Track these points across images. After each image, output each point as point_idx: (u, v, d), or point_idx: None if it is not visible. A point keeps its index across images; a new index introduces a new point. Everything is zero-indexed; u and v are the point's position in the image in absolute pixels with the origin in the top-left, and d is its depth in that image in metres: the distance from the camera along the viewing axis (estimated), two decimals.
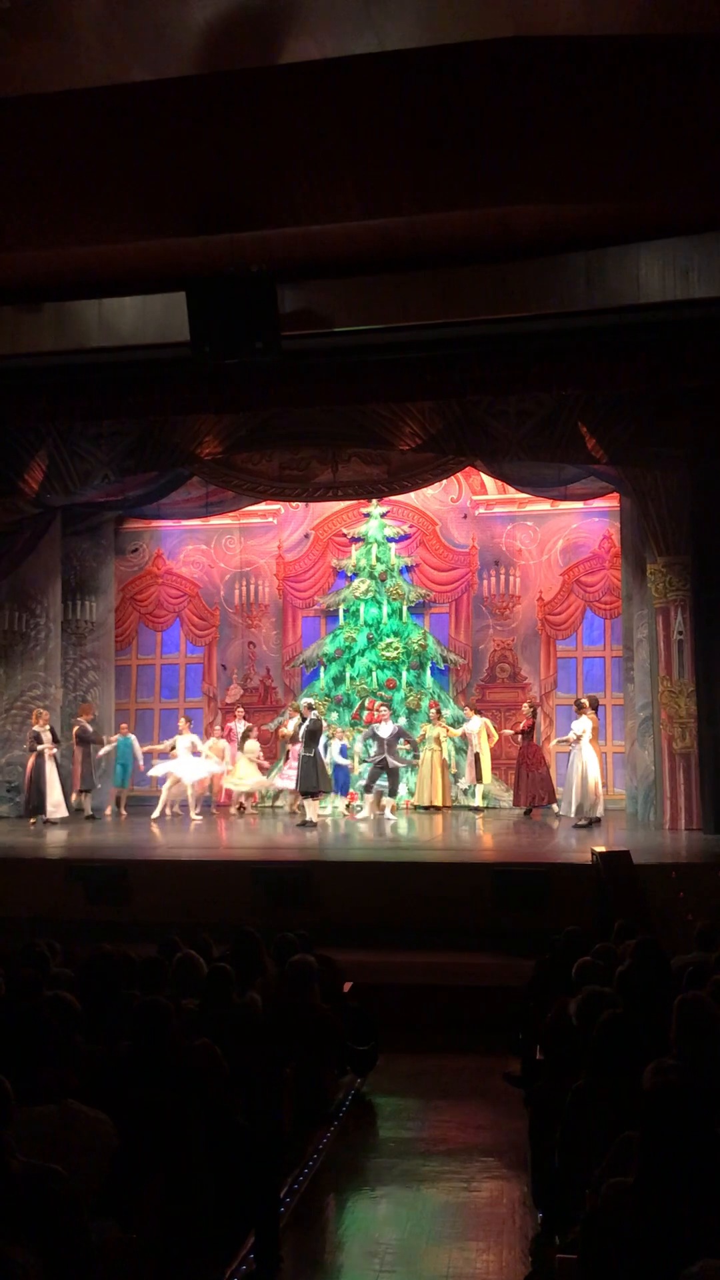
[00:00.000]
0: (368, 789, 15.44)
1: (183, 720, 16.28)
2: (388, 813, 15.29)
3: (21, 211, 8.08)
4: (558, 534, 17.31)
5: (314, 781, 14.53)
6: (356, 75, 6.64)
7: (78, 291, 9.81)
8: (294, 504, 17.44)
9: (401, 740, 15.49)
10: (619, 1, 5.94)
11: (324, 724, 15.28)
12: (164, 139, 7.41)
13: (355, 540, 17.65)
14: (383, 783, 15.50)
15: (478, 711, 16.15)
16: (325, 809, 15.48)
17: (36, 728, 15.15)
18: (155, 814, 15.51)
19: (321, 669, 17.45)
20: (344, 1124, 6.82)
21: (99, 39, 6.11)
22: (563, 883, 10.36)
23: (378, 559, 17.32)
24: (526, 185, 7.77)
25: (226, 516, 17.80)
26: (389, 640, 17.04)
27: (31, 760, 15.07)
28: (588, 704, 14.58)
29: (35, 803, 14.85)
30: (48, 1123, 3.72)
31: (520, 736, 15.34)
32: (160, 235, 8.51)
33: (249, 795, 16.44)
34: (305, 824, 14.34)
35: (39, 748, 15.00)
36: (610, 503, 16.44)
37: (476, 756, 15.76)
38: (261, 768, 16.37)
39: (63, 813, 14.96)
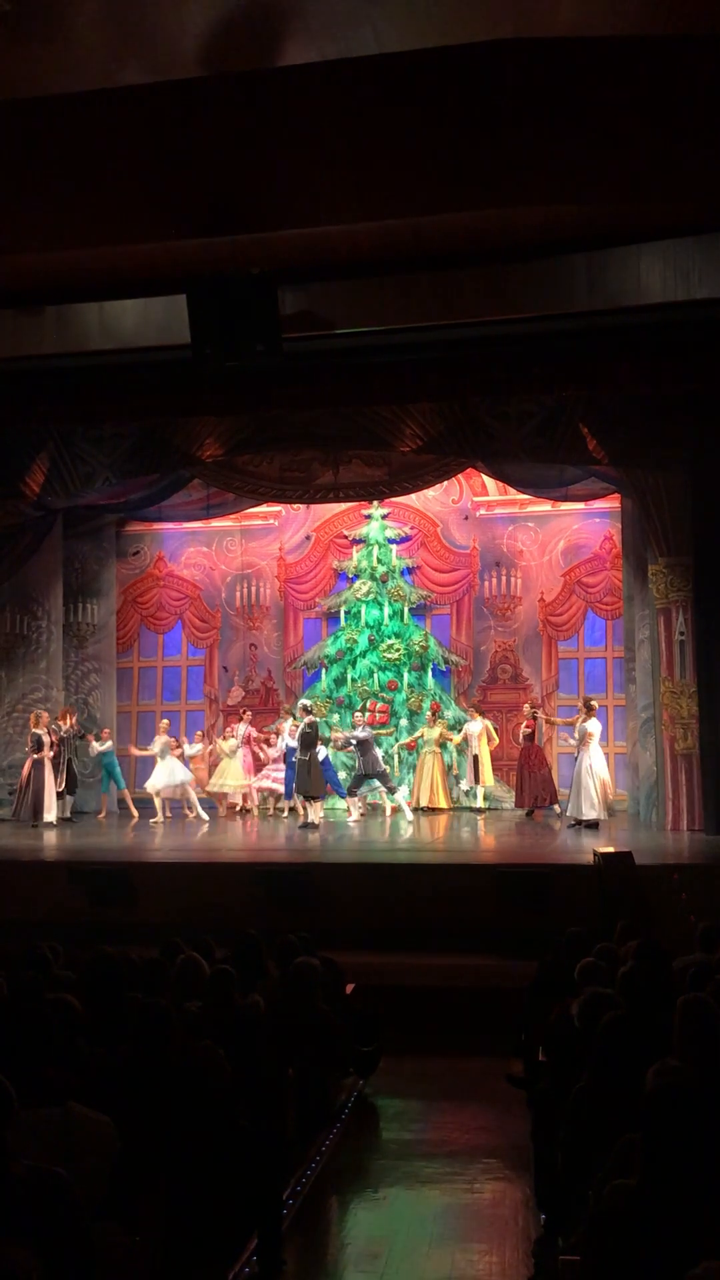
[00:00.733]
0: (351, 793, 15.46)
1: (163, 721, 16.32)
2: (389, 814, 15.25)
3: (22, 213, 8.09)
4: (559, 535, 17.30)
5: (307, 785, 14.54)
6: (356, 76, 6.65)
7: (79, 294, 9.81)
8: (295, 506, 17.43)
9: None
10: (618, 2, 5.94)
11: (319, 727, 15.22)
12: (164, 141, 7.41)
13: (356, 542, 17.65)
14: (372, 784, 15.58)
15: (481, 713, 16.16)
16: (324, 811, 15.48)
17: (37, 730, 15.13)
18: (156, 818, 15.56)
19: (323, 671, 17.45)
20: (346, 1126, 6.82)
21: (99, 41, 6.12)
22: (565, 884, 10.36)
23: (379, 560, 17.32)
24: (527, 186, 7.76)
25: (228, 518, 17.79)
26: (390, 642, 17.04)
27: (29, 764, 15.04)
28: (595, 705, 14.59)
29: (34, 806, 14.80)
30: (50, 1125, 3.71)
31: (523, 739, 15.32)
32: (161, 237, 8.51)
33: (244, 796, 16.44)
34: (307, 826, 14.34)
35: (38, 754, 14.95)
36: (611, 504, 16.44)
37: (476, 758, 15.76)
38: (260, 763, 16.35)
39: (50, 816, 14.93)
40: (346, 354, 10.56)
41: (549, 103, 6.98)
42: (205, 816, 15.64)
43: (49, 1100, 3.80)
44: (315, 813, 14.62)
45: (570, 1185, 4.27)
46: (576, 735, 14.20)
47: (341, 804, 16.05)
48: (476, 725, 15.85)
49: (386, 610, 17.17)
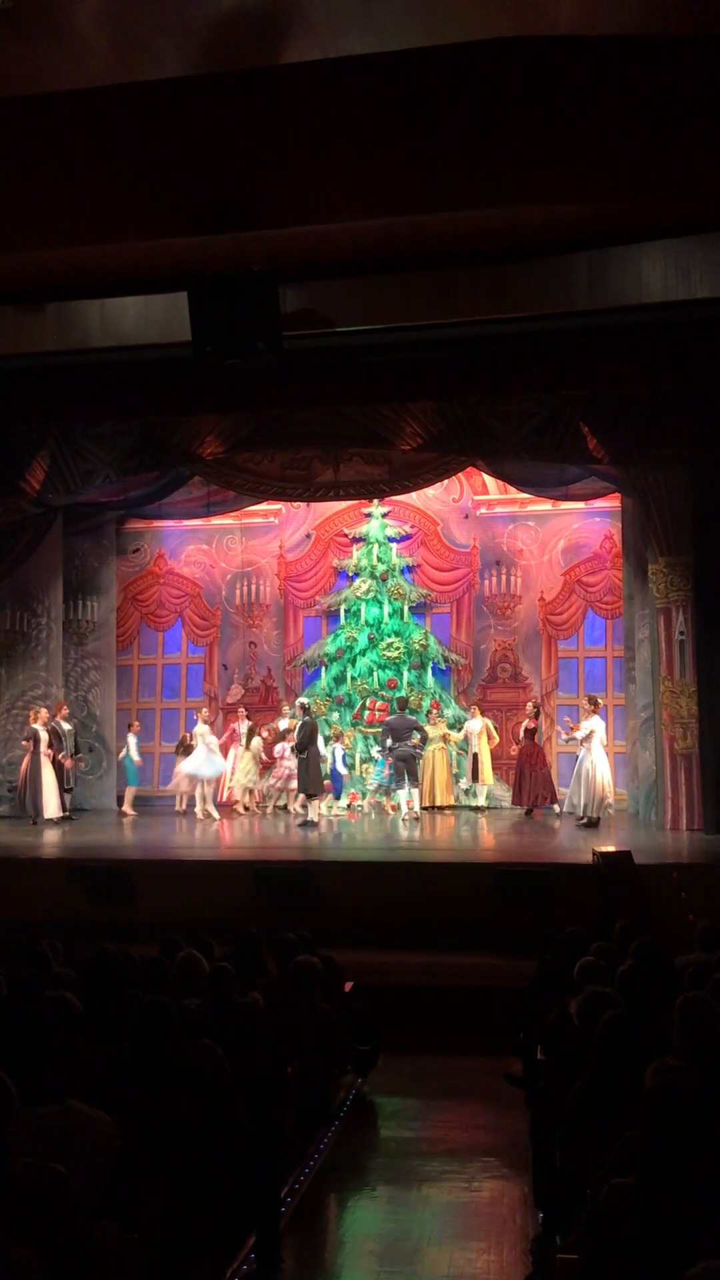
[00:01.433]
0: (395, 786, 15.41)
1: (203, 711, 16.25)
2: (404, 810, 15.25)
3: (23, 211, 8.09)
4: (559, 534, 17.30)
5: (306, 783, 14.54)
6: (357, 75, 6.64)
7: (79, 291, 9.81)
8: (295, 504, 17.43)
9: (415, 732, 15.38)
10: (619, 1, 5.94)
11: (317, 726, 15.19)
12: (166, 139, 7.41)
13: (356, 540, 17.64)
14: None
15: (481, 711, 16.15)
16: (326, 809, 15.48)
17: (35, 726, 15.12)
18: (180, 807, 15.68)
19: (323, 669, 17.44)
20: (345, 1124, 6.82)
21: (100, 39, 6.12)
22: (564, 883, 10.36)
23: (379, 559, 17.32)
24: (528, 185, 7.76)
25: (228, 516, 17.80)
26: (390, 640, 17.04)
27: (27, 760, 15.03)
28: (600, 703, 14.58)
29: (32, 802, 14.79)
30: (50, 1123, 3.72)
31: (524, 736, 15.29)
32: (162, 235, 8.51)
33: (251, 794, 16.42)
34: (306, 824, 14.34)
35: (39, 748, 14.96)
36: (612, 503, 16.44)
37: (476, 757, 15.76)
38: (266, 765, 16.39)
39: (52, 813, 14.93)
40: (347, 352, 10.56)
41: (549, 102, 6.98)
42: (216, 815, 15.59)
43: (49, 1098, 3.81)
44: (315, 811, 14.61)
45: (568, 1184, 4.28)
46: (581, 734, 14.15)
47: (339, 803, 16.06)
48: (477, 724, 15.85)
49: (386, 609, 17.17)
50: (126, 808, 16.11)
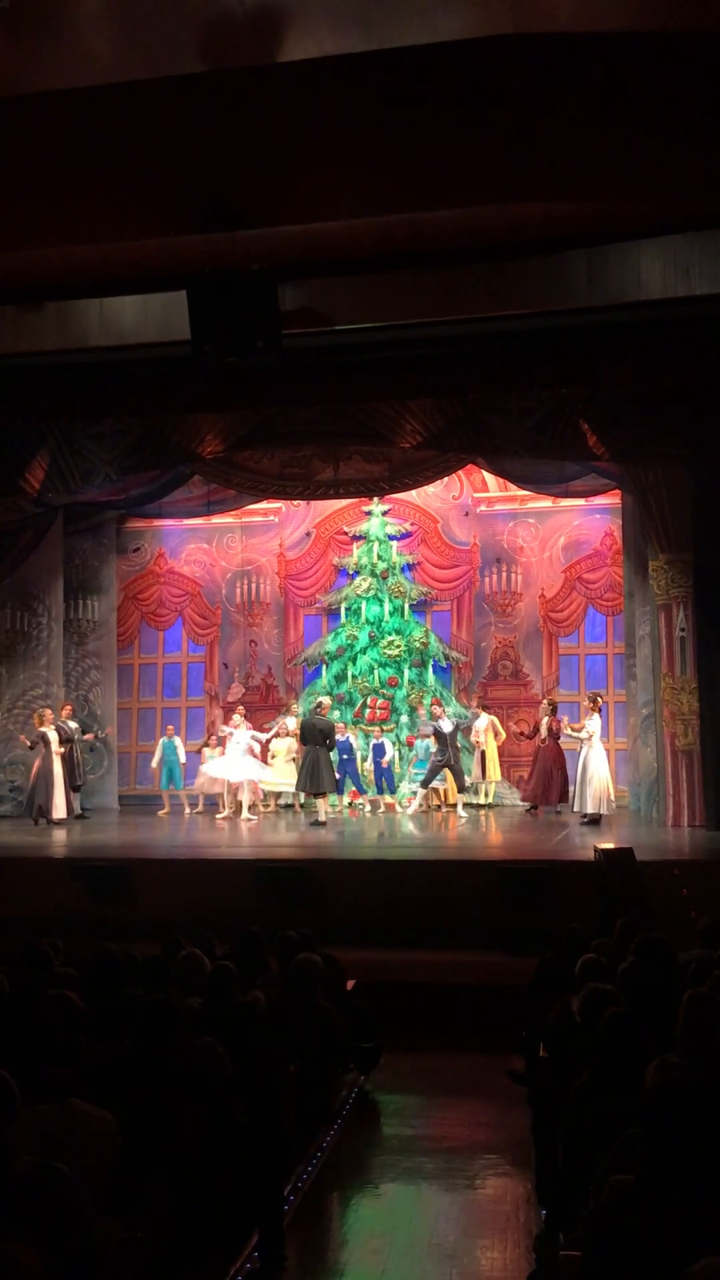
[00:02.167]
0: (426, 784, 15.34)
1: (240, 712, 16.12)
2: (460, 810, 15.21)
3: (22, 211, 8.08)
4: (559, 531, 17.30)
5: (316, 782, 14.52)
6: (356, 72, 6.64)
7: (79, 290, 9.81)
8: (295, 502, 17.43)
9: (460, 733, 15.33)
10: None
11: (331, 725, 15.16)
12: (164, 137, 7.41)
13: (357, 538, 17.64)
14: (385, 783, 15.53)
15: (485, 708, 16.14)
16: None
17: (43, 728, 15.08)
18: (223, 813, 15.62)
19: (323, 667, 17.44)
20: (347, 1122, 6.82)
21: (99, 37, 6.12)
22: (566, 880, 10.36)
23: (379, 557, 17.31)
24: (527, 182, 7.76)
25: (228, 515, 17.79)
26: (391, 638, 17.03)
27: (38, 763, 15.00)
28: (600, 701, 14.56)
29: (41, 803, 14.77)
30: (51, 1122, 3.72)
31: (548, 735, 15.15)
32: (161, 233, 8.51)
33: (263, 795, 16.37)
34: (316, 823, 14.32)
35: (49, 749, 14.91)
36: (612, 500, 16.43)
37: (483, 754, 15.74)
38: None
39: (62, 813, 14.93)
40: (347, 350, 10.56)
41: (548, 99, 6.98)
42: (251, 817, 15.51)
43: (50, 1096, 3.81)
44: (324, 809, 14.59)
45: (571, 1181, 4.28)
46: (585, 732, 14.12)
47: (342, 801, 16.07)
48: (483, 721, 15.82)
49: (387, 606, 17.16)
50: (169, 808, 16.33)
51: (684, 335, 10.07)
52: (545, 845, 12.70)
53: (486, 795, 16.03)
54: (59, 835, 13.97)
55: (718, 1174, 3.12)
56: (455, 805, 15.47)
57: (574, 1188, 4.20)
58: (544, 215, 8.69)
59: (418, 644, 17.04)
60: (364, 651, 17.15)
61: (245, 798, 15.58)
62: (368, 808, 16.08)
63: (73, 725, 15.70)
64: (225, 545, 18.27)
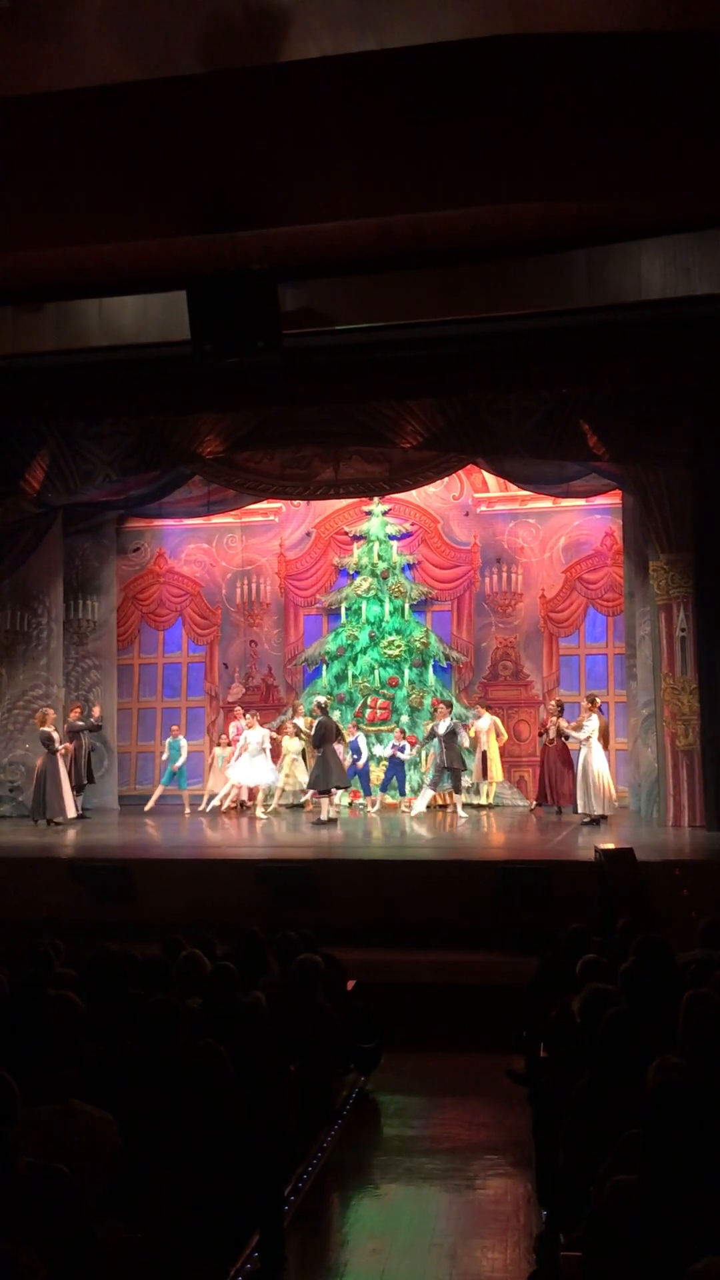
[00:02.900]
0: (434, 786, 15.32)
1: (251, 715, 15.98)
2: (460, 810, 15.20)
3: (22, 211, 8.08)
4: (560, 531, 17.30)
5: (327, 779, 14.52)
6: (356, 73, 6.63)
7: (78, 291, 9.81)
8: (295, 502, 17.44)
9: (459, 734, 15.33)
10: None
11: (334, 724, 15.14)
12: (164, 137, 7.40)
13: (357, 538, 17.64)
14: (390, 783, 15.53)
15: (487, 708, 16.14)
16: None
17: (46, 729, 15.05)
18: (222, 808, 15.69)
19: (324, 667, 17.44)
20: (348, 1122, 6.82)
21: (99, 38, 6.11)
22: (566, 880, 10.36)
23: (379, 557, 17.32)
24: (527, 182, 7.76)
25: (228, 515, 17.80)
26: (391, 638, 17.03)
27: (39, 762, 14.98)
28: (598, 702, 14.55)
29: (44, 804, 14.75)
30: (52, 1122, 3.72)
31: (556, 735, 15.15)
32: (161, 234, 8.51)
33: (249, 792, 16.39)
34: (320, 822, 14.31)
35: (55, 748, 14.89)
36: (612, 500, 16.43)
37: (484, 755, 15.73)
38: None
39: (71, 813, 14.93)
40: (347, 350, 10.56)
41: (549, 98, 6.97)
42: (264, 816, 15.50)
43: (51, 1097, 3.81)
44: (329, 808, 14.57)
45: (572, 1181, 4.28)
46: (585, 733, 14.11)
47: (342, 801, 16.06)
48: (485, 721, 15.80)
49: (387, 606, 17.17)
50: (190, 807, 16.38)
51: (684, 335, 10.07)
52: (546, 845, 12.70)
53: (487, 795, 16.03)
54: (59, 835, 13.97)
55: (718, 1174, 3.12)
56: (455, 806, 15.45)
57: (575, 1188, 4.20)
58: (544, 215, 8.68)
59: (418, 644, 17.04)
60: (364, 652, 17.15)
61: (261, 795, 15.68)
62: (369, 807, 16.08)
63: (80, 724, 15.75)
64: (225, 545, 18.28)
